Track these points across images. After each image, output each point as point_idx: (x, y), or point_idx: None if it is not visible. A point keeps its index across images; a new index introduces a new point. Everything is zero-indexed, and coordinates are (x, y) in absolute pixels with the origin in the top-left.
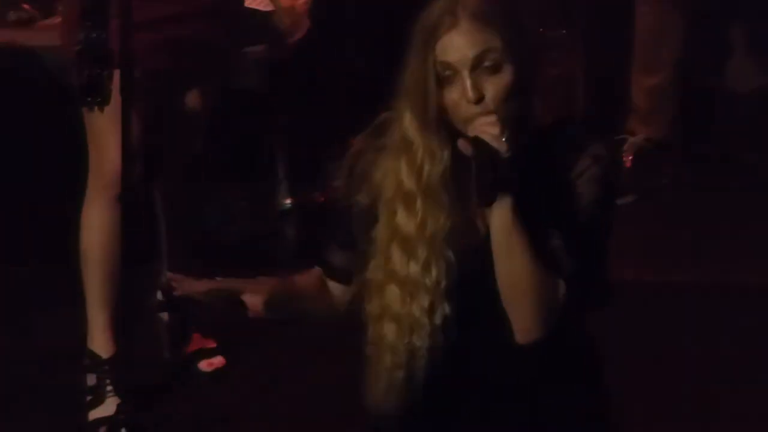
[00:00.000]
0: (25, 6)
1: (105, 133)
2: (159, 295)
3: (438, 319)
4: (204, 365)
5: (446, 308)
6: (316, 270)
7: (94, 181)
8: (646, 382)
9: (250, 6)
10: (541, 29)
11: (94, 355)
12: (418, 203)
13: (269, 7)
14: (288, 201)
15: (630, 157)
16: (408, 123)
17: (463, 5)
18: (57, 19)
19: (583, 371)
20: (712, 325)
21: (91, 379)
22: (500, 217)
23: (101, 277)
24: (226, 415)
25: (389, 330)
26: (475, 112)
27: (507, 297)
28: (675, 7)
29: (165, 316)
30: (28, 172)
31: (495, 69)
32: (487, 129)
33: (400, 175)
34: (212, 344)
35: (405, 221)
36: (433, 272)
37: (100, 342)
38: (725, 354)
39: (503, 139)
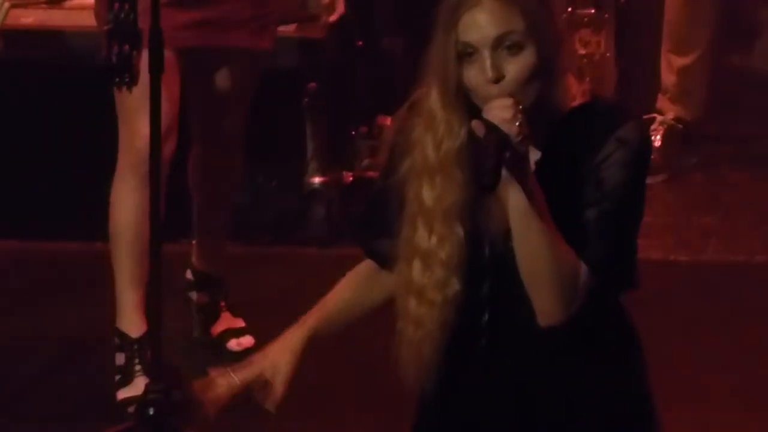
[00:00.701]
0: None
1: (135, 111)
2: (189, 274)
3: (449, 294)
4: (233, 344)
5: (455, 284)
6: (368, 262)
7: (124, 159)
8: (678, 363)
9: None
10: (570, 8)
11: (123, 335)
12: (438, 177)
13: None
14: (317, 180)
15: (659, 137)
16: (433, 98)
17: None
18: (85, 0)
19: (612, 352)
20: (744, 304)
21: (120, 359)
22: (515, 200)
23: (131, 256)
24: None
25: (411, 303)
26: (493, 93)
27: (526, 280)
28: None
29: (194, 295)
30: (59, 154)
31: (516, 50)
32: (500, 113)
33: (426, 149)
34: (241, 324)
35: (427, 194)
36: (446, 247)
37: (129, 321)
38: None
39: (516, 124)
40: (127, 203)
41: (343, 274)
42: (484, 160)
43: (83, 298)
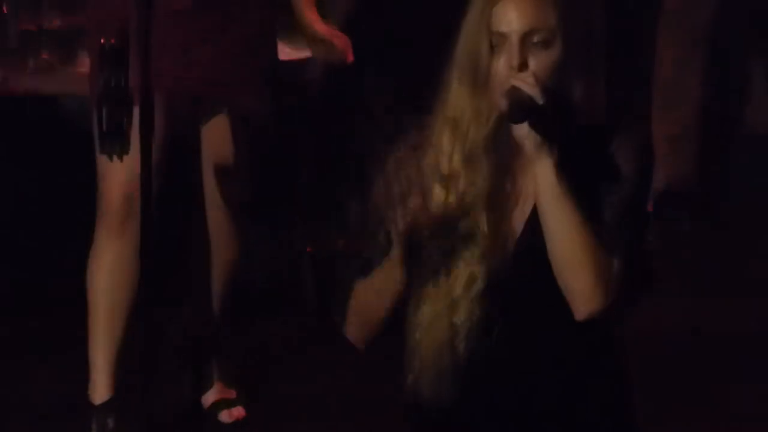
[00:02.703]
0: (45, 54)
1: (115, 171)
2: (183, 341)
3: (473, 293)
4: (224, 416)
5: (480, 282)
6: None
7: (103, 221)
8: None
9: (287, 59)
10: None
11: (93, 403)
12: (461, 181)
13: (304, 54)
14: (308, 246)
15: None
16: (455, 92)
17: None
18: (76, 67)
19: (605, 384)
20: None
21: (95, 427)
22: (544, 175)
23: (105, 321)
24: None
25: (427, 310)
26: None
27: (562, 263)
28: (694, 50)
29: (189, 363)
30: (47, 218)
31: (545, 45)
32: (523, 80)
33: (442, 154)
34: (233, 394)
35: (444, 194)
36: (470, 243)
37: (93, 387)
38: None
39: (538, 89)
40: (104, 264)
41: (335, 342)
42: (512, 100)
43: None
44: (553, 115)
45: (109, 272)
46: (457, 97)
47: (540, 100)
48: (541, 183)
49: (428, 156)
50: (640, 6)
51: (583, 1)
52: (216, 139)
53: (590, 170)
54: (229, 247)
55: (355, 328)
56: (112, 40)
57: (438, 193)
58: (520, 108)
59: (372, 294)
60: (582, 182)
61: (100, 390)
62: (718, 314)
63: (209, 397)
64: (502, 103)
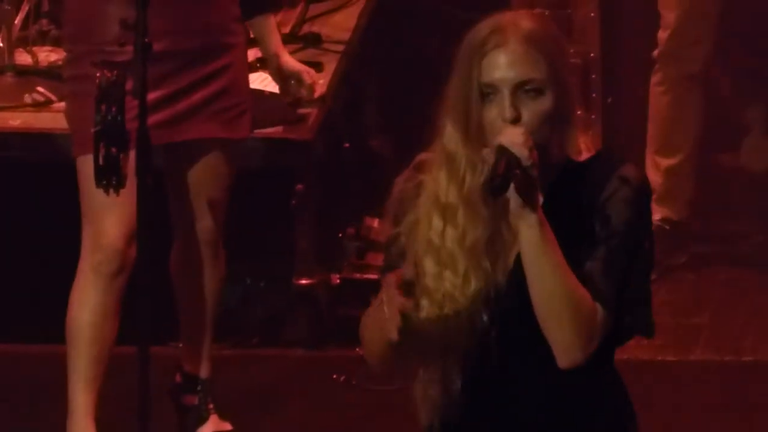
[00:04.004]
0: (41, 89)
1: (102, 210)
2: (178, 377)
3: (476, 326)
4: None
5: (484, 317)
6: None
7: (89, 257)
8: None
9: (255, 87)
10: None
11: None
12: (459, 214)
13: (273, 89)
14: (304, 281)
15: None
16: (449, 136)
17: (515, 25)
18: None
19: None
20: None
21: None
22: (527, 233)
23: (86, 358)
24: None
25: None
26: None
27: (542, 317)
28: (690, 89)
29: (183, 398)
30: (40, 254)
31: (537, 94)
32: (511, 137)
33: (440, 187)
34: (228, 427)
35: (442, 232)
36: (472, 283)
37: (75, 425)
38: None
39: (527, 149)
40: (89, 303)
41: (330, 376)
42: (494, 166)
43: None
44: (537, 176)
45: (95, 308)
46: (450, 141)
47: (527, 161)
48: (523, 240)
49: (428, 188)
50: None
51: (566, 51)
52: (192, 167)
53: (579, 216)
54: (211, 275)
55: (369, 358)
56: (109, 75)
57: (437, 224)
58: (504, 177)
59: (374, 331)
60: (570, 228)
61: (82, 429)
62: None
63: (205, 430)
64: (490, 158)
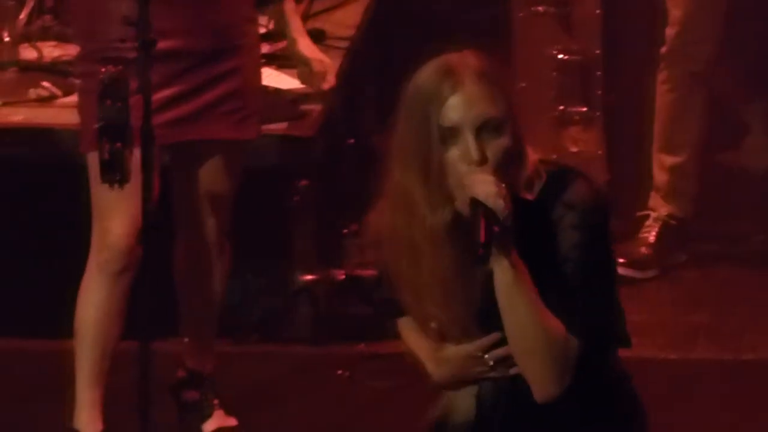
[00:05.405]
0: (45, 84)
1: (110, 208)
2: (180, 372)
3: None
4: None
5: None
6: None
7: (96, 255)
8: None
9: (267, 84)
10: (560, 106)
11: None
12: (427, 252)
13: (276, 84)
14: (305, 278)
15: (654, 234)
16: (410, 180)
17: (465, 65)
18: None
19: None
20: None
21: None
22: (501, 276)
23: (93, 354)
24: None
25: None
26: (474, 173)
27: (516, 354)
28: (694, 88)
29: (186, 393)
30: (43, 250)
31: (497, 131)
32: (485, 188)
33: (402, 228)
34: (234, 422)
35: (413, 270)
36: (451, 313)
37: (82, 420)
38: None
39: (501, 199)
40: (94, 300)
41: (331, 372)
42: (475, 235)
43: (48, 397)
44: (511, 220)
45: (102, 305)
46: (405, 185)
47: (503, 213)
48: (497, 282)
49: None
50: None
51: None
52: (199, 168)
53: (538, 251)
54: (216, 273)
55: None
56: (113, 70)
57: (406, 266)
58: (487, 244)
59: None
60: (533, 263)
61: (90, 424)
62: None
63: (209, 425)
64: (464, 209)
